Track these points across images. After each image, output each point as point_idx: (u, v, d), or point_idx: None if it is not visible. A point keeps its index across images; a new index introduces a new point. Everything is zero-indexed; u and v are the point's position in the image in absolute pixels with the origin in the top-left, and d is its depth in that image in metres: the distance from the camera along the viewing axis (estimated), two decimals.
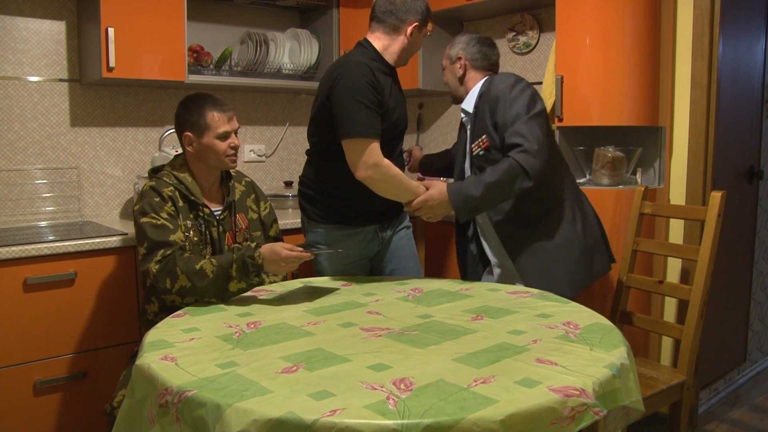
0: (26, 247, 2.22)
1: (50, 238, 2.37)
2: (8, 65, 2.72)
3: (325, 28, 3.37)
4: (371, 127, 2.06)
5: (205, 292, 1.88)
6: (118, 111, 2.99)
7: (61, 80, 2.83)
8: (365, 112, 2.05)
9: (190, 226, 2.03)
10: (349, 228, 2.27)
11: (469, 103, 2.30)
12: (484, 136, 2.19)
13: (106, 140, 2.97)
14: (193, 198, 2.06)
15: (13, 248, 2.20)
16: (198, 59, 3.05)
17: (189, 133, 2.08)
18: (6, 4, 2.69)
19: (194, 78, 2.91)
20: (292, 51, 3.33)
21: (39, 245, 2.25)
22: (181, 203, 2.03)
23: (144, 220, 1.95)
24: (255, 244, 1.93)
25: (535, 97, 2.18)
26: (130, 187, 3.01)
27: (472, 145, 2.25)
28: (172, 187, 2.03)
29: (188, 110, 2.09)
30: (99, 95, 2.93)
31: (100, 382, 2.41)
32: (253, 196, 2.28)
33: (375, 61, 2.18)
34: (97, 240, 2.37)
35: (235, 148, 2.11)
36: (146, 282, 2.08)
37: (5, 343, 2.21)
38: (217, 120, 2.06)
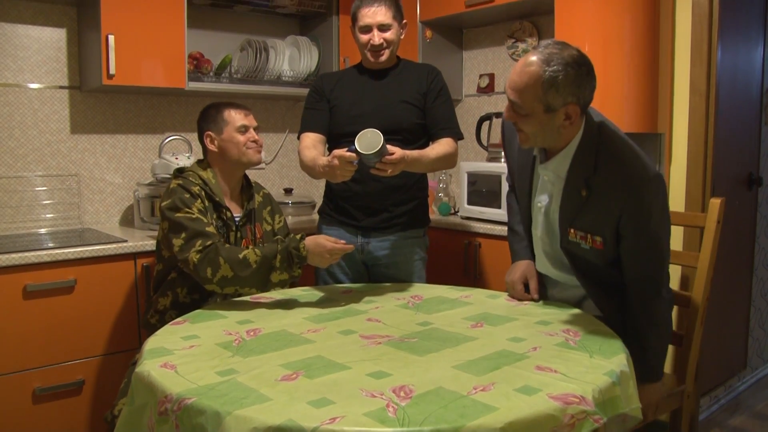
0: (26, 254, 2.22)
1: (50, 245, 2.37)
2: (9, 72, 2.72)
3: (324, 35, 3.38)
4: (303, 124, 2.40)
5: (246, 282, 1.90)
6: (118, 118, 3.00)
7: (61, 87, 2.84)
8: (304, 113, 2.42)
9: (213, 226, 2.06)
10: (332, 222, 2.43)
11: (562, 167, 1.74)
12: (598, 238, 1.72)
13: (106, 147, 2.97)
14: (217, 199, 2.10)
15: (13, 255, 2.20)
16: (198, 66, 3.06)
17: (210, 132, 2.16)
18: (7, 12, 2.70)
19: (194, 85, 2.92)
20: (291, 58, 3.34)
21: (39, 252, 2.25)
22: (207, 203, 2.08)
23: (178, 215, 1.99)
24: (300, 235, 1.95)
25: (669, 217, 1.77)
26: (129, 194, 3.01)
27: (572, 229, 1.77)
28: (198, 187, 2.07)
29: (207, 114, 2.20)
30: (99, 102, 2.94)
31: (99, 390, 2.41)
32: (269, 208, 2.32)
33: (354, 67, 2.44)
34: (97, 247, 2.37)
35: (256, 141, 2.18)
36: (167, 275, 2.11)
37: (4, 351, 2.21)
38: (235, 115, 2.16)
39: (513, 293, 2.02)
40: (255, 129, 2.20)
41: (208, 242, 1.94)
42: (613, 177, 1.66)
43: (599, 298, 1.85)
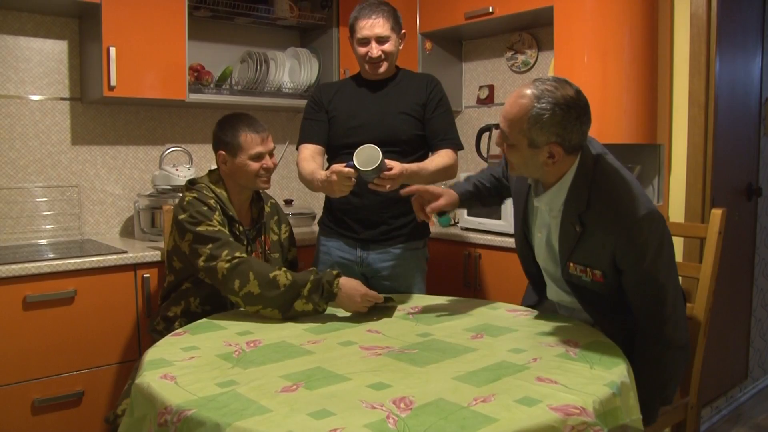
0: (26, 265, 2.22)
1: (50, 256, 2.37)
2: (10, 84, 2.73)
3: (324, 47, 3.40)
4: (302, 135, 2.40)
5: (270, 303, 1.87)
6: (119, 129, 3.00)
7: (62, 99, 2.85)
8: (302, 124, 2.42)
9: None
10: (331, 234, 2.42)
11: (556, 202, 1.73)
12: (598, 272, 1.71)
13: (107, 158, 2.98)
14: (230, 213, 2.10)
15: (13, 266, 2.20)
16: (199, 78, 3.07)
17: (223, 152, 2.13)
18: (9, 24, 2.72)
19: (195, 97, 2.93)
20: (292, 70, 3.35)
21: (39, 263, 2.24)
22: (222, 216, 2.07)
23: (200, 228, 1.97)
24: (336, 272, 1.93)
25: (669, 253, 1.73)
26: (130, 205, 3.01)
27: (570, 263, 1.75)
28: (213, 200, 2.07)
29: (223, 130, 2.14)
30: (100, 114, 2.95)
31: (98, 401, 2.40)
32: (276, 217, 2.32)
33: (353, 77, 2.44)
34: (97, 258, 2.37)
35: (268, 169, 2.14)
36: (178, 286, 2.11)
37: (4, 362, 2.21)
38: (250, 141, 2.10)
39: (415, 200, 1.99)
40: (270, 152, 2.15)
41: (237, 253, 1.93)
42: (604, 215, 1.65)
43: (605, 328, 1.82)
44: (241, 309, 1.95)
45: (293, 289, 1.87)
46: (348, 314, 1.95)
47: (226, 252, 1.93)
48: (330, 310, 1.99)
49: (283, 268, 1.95)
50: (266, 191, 2.34)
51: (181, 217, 2.01)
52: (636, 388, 1.51)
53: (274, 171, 2.19)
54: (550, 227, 1.81)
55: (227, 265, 1.90)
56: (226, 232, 2.00)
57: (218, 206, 2.07)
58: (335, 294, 1.90)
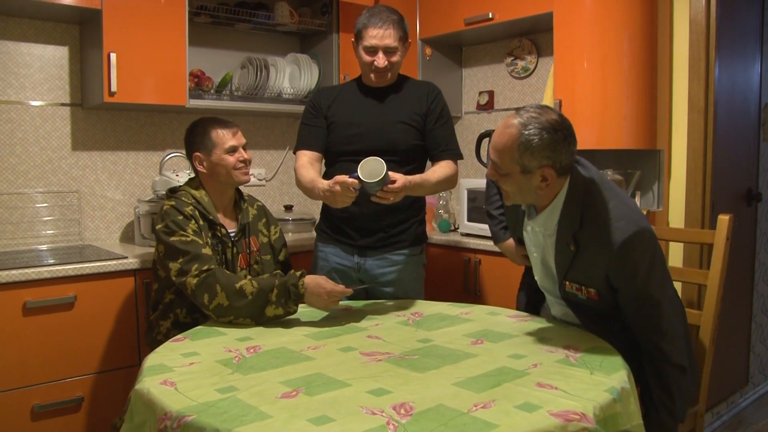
0: (26, 270, 2.22)
1: (50, 261, 2.37)
2: (11, 90, 2.74)
3: (325, 52, 3.40)
4: (300, 141, 2.37)
5: (241, 312, 1.89)
6: (119, 135, 3.01)
7: (63, 104, 2.85)
8: (300, 129, 2.39)
9: (209, 245, 2.06)
10: (328, 240, 2.41)
11: (550, 222, 1.77)
12: (592, 290, 1.74)
13: (107, 164, 2.98)
14: (211, 217, 2.10)
15: (13, 272, 2.20)
16: (199, 84, 3.08)
17: (198, 154, 2.15)
18: (10, 30, 2.72)
19: (195, 102, 2.93)
20: (292, 75, 3.36)
21: (39, 269, 2.25)
22: (201, 222, 2.07)
23: (173, 239, 1.99)
24: (300, 272, 1.94)
25: (662, 269, 1.75)
26: (130, 210, 3.01)
27: (566, 281, 1.78)
28: (191, 207, 2.07)
29: (194, 133, 2.18)
30: (100, 119, 2.95)
31: (98, 407, 2.40)
32: (264, 220, 2.32)
33: (353, 82, 2.42)
34: (97, 264, 2.37)
35: (245, 161, 2.17)
36: (163, 296, 2.11)
37: (3, 368, 2.20)
38: (222, 136, 2.14)
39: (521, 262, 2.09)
40: (243, 146, 2.18)
41: (205, 266, 1.94)
42: (595, 234, 1.68)
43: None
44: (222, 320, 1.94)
45: (261, 297, 1.88)
46: (347, 319, 1.96)
47: (195, 266, 1.94)
48: (329, 316, 2.00)
49: (249, 276, 1.97)
50: (251, 195, 2.35)
51: (158, 227, 2.04)
52: (645, 408, 1.51)
53: (250, 165, 2.21)
54: (545, 247, 1.83)
55: (195, 280, 1.92)
56: (200, 242, 2.00)
57: (196, 212, 2.07)
58: (302, 295, 1.91)
